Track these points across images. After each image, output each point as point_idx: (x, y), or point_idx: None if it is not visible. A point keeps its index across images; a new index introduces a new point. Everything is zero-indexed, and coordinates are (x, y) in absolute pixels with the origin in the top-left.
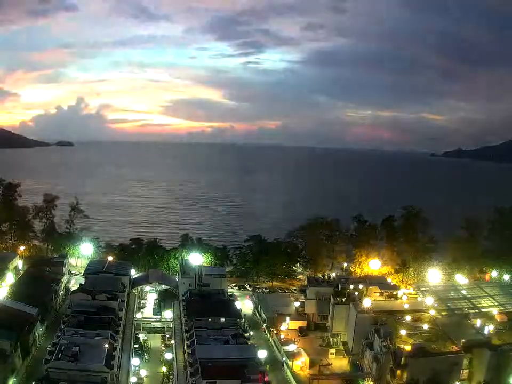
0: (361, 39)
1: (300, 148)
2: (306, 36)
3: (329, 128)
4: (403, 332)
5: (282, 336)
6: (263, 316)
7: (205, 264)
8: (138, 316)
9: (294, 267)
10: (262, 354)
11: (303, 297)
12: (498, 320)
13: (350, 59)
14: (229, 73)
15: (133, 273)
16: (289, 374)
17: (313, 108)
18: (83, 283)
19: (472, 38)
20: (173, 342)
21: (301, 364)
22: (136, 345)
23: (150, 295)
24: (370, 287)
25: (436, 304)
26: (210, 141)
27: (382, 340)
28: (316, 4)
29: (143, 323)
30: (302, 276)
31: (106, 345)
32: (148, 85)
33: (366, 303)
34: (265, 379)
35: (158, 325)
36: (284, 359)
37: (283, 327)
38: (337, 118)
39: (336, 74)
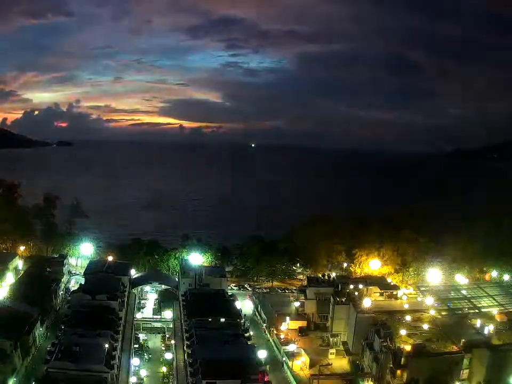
0: (355, 42)
1: (298, 147)
2: (302, 37)
3: (327, 128)
4: (403, 332)
5: (282, 336)
6: (263, 316)
7: (205, 264)
8: (138, 316)
9: (294, 267)
10: (262, 354)
11: (303, 297)
12: (498, 320)
13: (344, 61)
14: (224, 73)
15: (133, 273)
16: (289, 374)
17: (309, 108)
18: (83, 283)
19: (467, 38)
20: (173, 342)
21: (301, 364)
22: (136, 345)
23: (150, 295)
24: (370, 287)
25: (436, 304)
26: (207, 141)
27: (382, 339)
28: (309, 6)
29: (143, 323)
30: (302, 275)
31: (106, 345)
32: (144, 86)
33: (366, 303)
34: (265, 379)
35: (158, 325)
36: (284, 359)
37: (283, 327)
38: (334, 118)
39: (331, 76)
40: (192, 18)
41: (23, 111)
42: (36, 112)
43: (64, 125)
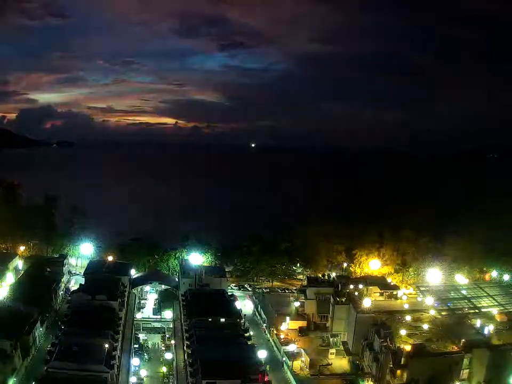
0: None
1: (298, 147)
2: (300, 38)
3: (327, 128)
4: (403, 332)
5: (282, 336)
6: (263, 316)
7: (205, 264)
8: (138, 316)
9: (294, 267)
10: (262, 354)
11: (303, 297)
12: (498, 320)
13: (343, 61)
14: (223, 74)
15: (133, 273)
16: (289, 374)
17: (309, 108)
18: (83, 283)
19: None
20: (173, 342)
21: (301, 364)
22: (136, 345)
23: (150, 295)
24: (370, 287)
25: (436, 304)
26: (206, 141)
27: (382, 339)
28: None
29: (143, 323)
30: (302, 275)
31: (106, 345)
32: (144, 87)
33: (366, 303)
34: (265, 379)
35: (158, 325)
36: (284, 359)
37: (283, 327)
38: (334, 118)
39: (330, 76)
40: (191, 20)
41: (27, 111)
42: (36, 112)
43: (63, 125)
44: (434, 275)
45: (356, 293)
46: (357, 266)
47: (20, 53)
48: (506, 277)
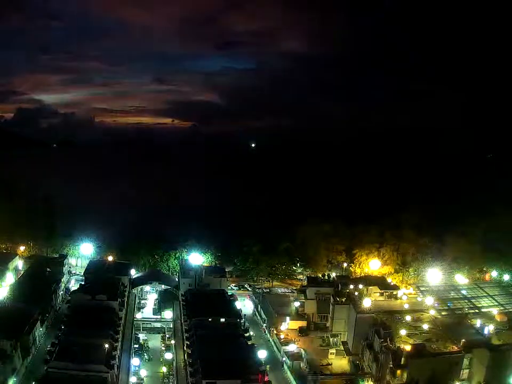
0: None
1: (298, 146)
2: (300, 38)
3: (327, 127)
4: (403, 332)
5: (282, 336)
6: (263, 315)
7: (205, 264)
8: (138, 316)
9: (294, 267)
10: (262, 354)
11: (303, 297)
12: (498, 320)
13: (342, 61)
14: (222, 74)
15: (133, 273)
16: (289, 374)
17: (308, 108)
18: (83, 283)
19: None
20: (173, 342)
21: (301, 364)
22: (136, 345)
23: (150, 295)
24: (370, 287)
25: (436, 304)
26: (206, 141)
27: (382, 339)
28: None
29: (143, 323)
30: (302, 275)
31: (106, 345)
32: (143, 88)
33: (366, 303)
34: (265, 379)
35: (158, 325)
36: (283, 359)
37: (283, 327)
38: (334, 118)
39: (330, 76)
40: (190, 21)
41: (26, 111)
42: (36, 112)
43: (64, 125)
44: (434, 275)
45: (356, 293)
46: (357, 266)
47: (21, 54)
48: (506, 277)
